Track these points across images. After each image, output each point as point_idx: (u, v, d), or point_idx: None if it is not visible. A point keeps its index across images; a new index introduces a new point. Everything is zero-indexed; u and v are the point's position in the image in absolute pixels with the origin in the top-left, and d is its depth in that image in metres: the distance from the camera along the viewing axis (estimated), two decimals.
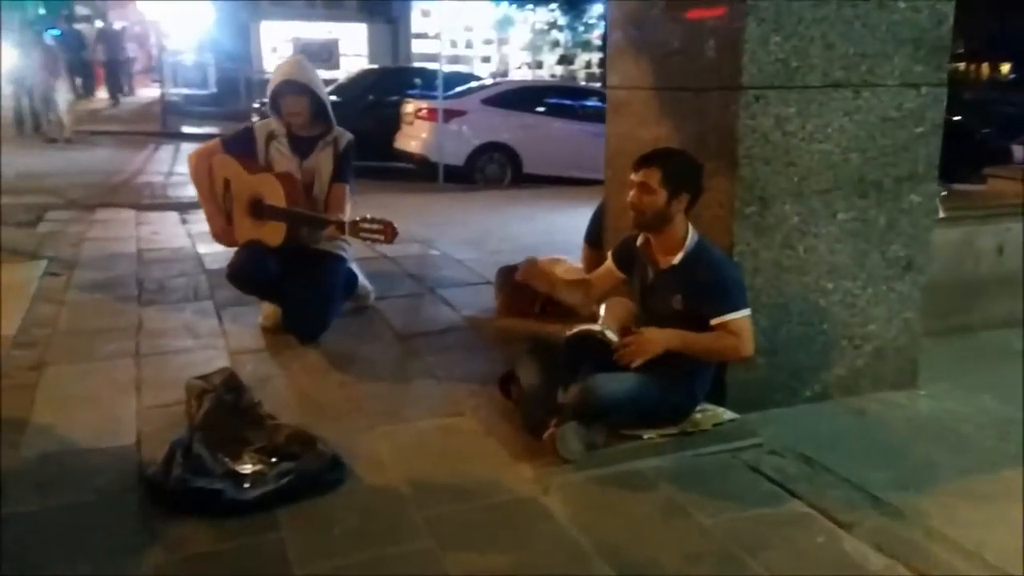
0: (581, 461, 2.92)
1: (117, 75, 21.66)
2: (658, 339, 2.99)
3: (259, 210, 4.11)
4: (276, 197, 4.05)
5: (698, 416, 3.22)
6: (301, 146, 4.19)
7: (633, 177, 3.08)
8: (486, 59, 21.19)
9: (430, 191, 9.79)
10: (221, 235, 4.34)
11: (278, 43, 19.03)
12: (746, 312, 3.01)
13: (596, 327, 3.17)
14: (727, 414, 3.28)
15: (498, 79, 14.71)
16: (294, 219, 4.07)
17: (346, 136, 4.25)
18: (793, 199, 3.30)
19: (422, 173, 10.73)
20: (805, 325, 3.43)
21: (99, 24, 24.64)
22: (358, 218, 3.83)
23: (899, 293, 3.57)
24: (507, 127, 10.51)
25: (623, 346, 2.97)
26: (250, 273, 4.16)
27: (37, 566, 2.38)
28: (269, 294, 4.27)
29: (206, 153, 4.30)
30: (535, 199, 9.15)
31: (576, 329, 3.21)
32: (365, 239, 3.85)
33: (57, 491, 2.75)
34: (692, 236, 3.08)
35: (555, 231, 6.77)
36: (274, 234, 4.09)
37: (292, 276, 4.14)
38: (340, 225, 3.90)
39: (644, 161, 3.07)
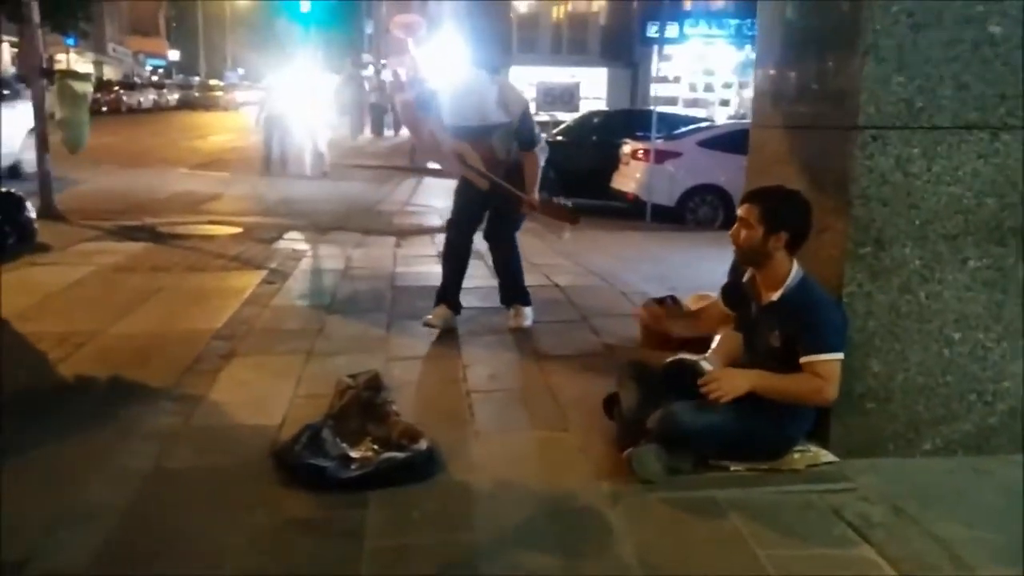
0: (660, 484, 3.01)
1: (380, 116, 23.93)
2: (739, 382, 3.05)
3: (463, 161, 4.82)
4: (475, 160, 4.76)
5: (795, 456, 3.19)
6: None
7: (738, 212, 3.17)
8: (725, 102, 21.07)
9: (636, 229, 9.98)
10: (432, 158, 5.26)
11: (524, 86, 20.04)
12: (837, 356, 2.98)
13: (692, 357, 3.26)
14: (826, 456, 3.22)
15: (713, 123, 14.57)
16: (497, 188, 4.78)
17: (519, 109, 4.76)
18: (914, 242, 3.19)
19: (633, 212, 10.95)
20: (925, 375, 3.28)
21: (368, 71, 27.23)
22: (550, 198, 4.74)
23: None
24: (722, 169, 10.45)
25: (705, 383, 3.04)
26: (464, 223, 5.00)
27: (173, 507, 2.88)
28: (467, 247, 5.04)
29: (409, 107, 5.25)
30: None
31: (674, 358, 3.31)
32: (551, 217, 4.91)
33: (206, 454, 3.28)
34: (796, 273, 3.10)
35: None
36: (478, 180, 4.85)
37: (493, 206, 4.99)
38: (532, 204, 4.76)
39: (747, 197, 3.15)
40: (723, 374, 3.08)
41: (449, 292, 4.98)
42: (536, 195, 4.84)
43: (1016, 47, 3.12)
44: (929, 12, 3.07)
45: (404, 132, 24.86)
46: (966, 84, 3.13)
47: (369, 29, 60.82)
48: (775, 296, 3.11)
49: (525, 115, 4.83)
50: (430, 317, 4.87)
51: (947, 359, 3.28)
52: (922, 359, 3.27)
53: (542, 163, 4.90)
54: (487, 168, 4.77)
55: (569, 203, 4.82)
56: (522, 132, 4.80)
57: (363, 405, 3.61)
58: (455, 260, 5.01)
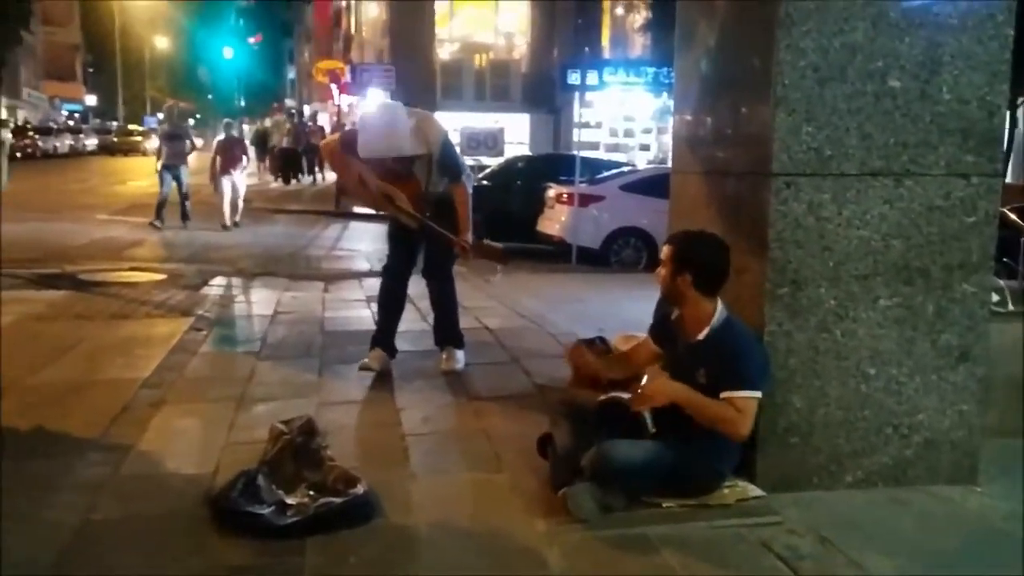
0: (594, 522, 3.07)
1: (297, 162, 23.96)
2: (665, 389, 3.17)
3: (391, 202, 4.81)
4: (403, 201, 4.74)
5: (725, 491, 3.29)
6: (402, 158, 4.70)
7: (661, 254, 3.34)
8: (645, 147, 21.66)
9: (562, 271, 10.16)
10: (361, 201, 5.18)
11: (448, 132, 20.27)
12: (755, 393, 3.12)
13: (624, 395, 3.35)
14: (754, 491, 3.33)
15: (634, 167, 15.00)
16: (429, 230, 4.80)
17: (438, 141, 4.73)
18: (829, 283, 3.37)
19: (559, 255, 11.14)
20: (844, 409, 3.43)
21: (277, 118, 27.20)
22: (483, 241, 4.75)
23: (953, 384, 3.50)
24: (644, 212, 10.69)
25: (635, 392, 3.16)
26: (399, 267, 5.06)
27: (105, 560, 2.83)
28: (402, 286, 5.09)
29: (333, 152, 5.06)
30: None
31: (606, 396, 3.41)
32: (483, 258, 4.80)
33: (138, 505, 3.23)
34: (720, 313, 3.24)
35: None
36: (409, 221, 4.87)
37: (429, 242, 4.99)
38: (464, 247, 4.73)
39: (667, 239, 3.31)
40: (648, 383, 3.19)
41: (385, 336, 4.99)
42: (469, 236, 4.82)
43: (915, 99, 3.35)
44: (833, 67, 3.28)
45: (324, 177, 24.87)
46: (870, 134, 3.35)
47: (292, 75, 60.84)
48: (701, 335, 3.23)
49: (445, 145, 4.78)
50: (366, 360, 4.86)
51: (864, 394, 3.44)
52: (841, 394, 3.43)
53: (470, 190, 4.89)
54: (415, 206, 4.74)
55: (499, 245, 4.85)
56: (445, 162, 4.76)
57: (297, 451, 3.58)
58: (390, 304, 5.03)
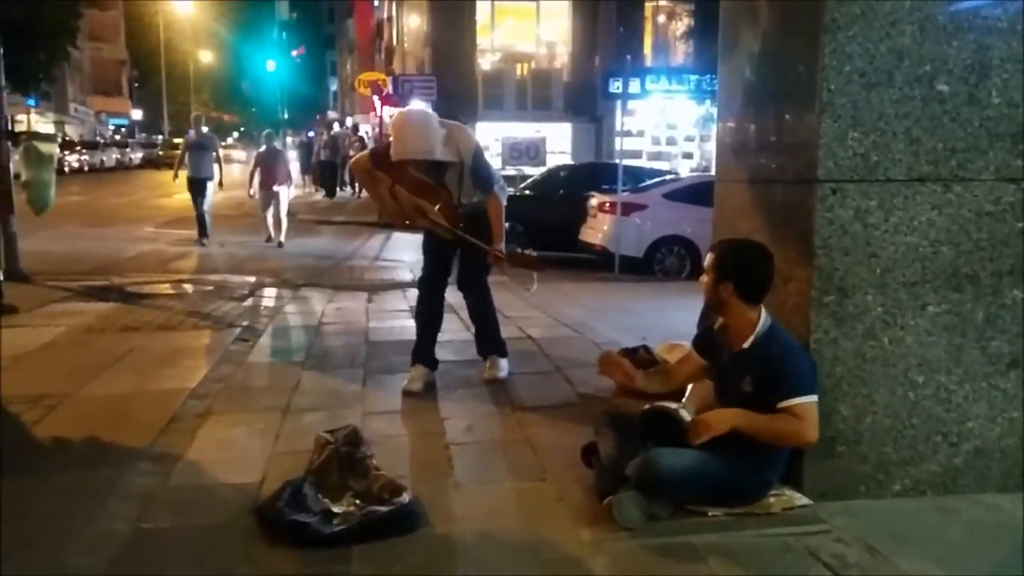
0: (639, 530, 3.06)
1: (334, 175, 24.25)
2: (723, 417, 3.15)
3: (423, 215, 4.81)
4: (435, 214, 4.73)
5: (771, 499, 3.26)
6: (434, 168, 4.68)
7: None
8: (687, 155, 21.57)
9: (605, 280, 10.14)
10: (393, 218, 5.12)
11: (490, 141, 20.36)
12: (812, 398, 3.09)
13: (671, 405, 3.33)
14: (801, 499, 3.29)
15: (677, 175, 14.96)
16: (462, 242, 4.80)
17: (469, 150, 4.70)
18: (876, 290, 3.32)
19: (602, 264, 11.12)
20: (892, 417, 3.38)
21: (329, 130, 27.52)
22: (516, 250, 4.73)
23: (1004, 392, 3.43)
24: (687, 220, 10.65)
25: (692, 425, 3.14)
26: (434, 278, 5.06)
27: (154, 569, 2.90)
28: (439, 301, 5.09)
29: (363, 168, 5.03)
30: None
31: (651, 405, 3.39)
32: (517, 267, 4.77)
33: (187, 514, 3.28)
34: (764, 322, 3.21)
35: None
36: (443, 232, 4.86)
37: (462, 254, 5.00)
38: (498, 257, 4.72)
39: (711, 246, 3.29)
40: (706, 416, 3.17)
41: (425, 350, 5.00)
42: (502, 246, 4.80)
43: (963, 103, 3.30)
44: (880, 72, 3.25)
45: (360, 192, 25.15)
46: (918, 139, 3.30)
47: (334, 87, 61.61)
48: (746, 344, 3.21)
49: (477, 156, 4.76)
50: (408, 383, 4.85)
51: (912, 402, 3.39)
52: (888, 402, 3.38)
53: (504, 201, 4.88)
54: (448, 218, 4.72)
55: (533, 252, 4.84)
56: (477, 173, 4.74)
57: (343, 460, 3.63)
58: (428, 316, 5.05)
